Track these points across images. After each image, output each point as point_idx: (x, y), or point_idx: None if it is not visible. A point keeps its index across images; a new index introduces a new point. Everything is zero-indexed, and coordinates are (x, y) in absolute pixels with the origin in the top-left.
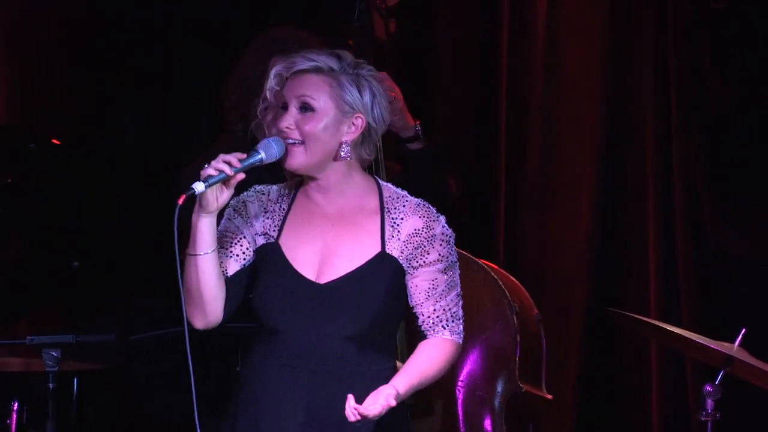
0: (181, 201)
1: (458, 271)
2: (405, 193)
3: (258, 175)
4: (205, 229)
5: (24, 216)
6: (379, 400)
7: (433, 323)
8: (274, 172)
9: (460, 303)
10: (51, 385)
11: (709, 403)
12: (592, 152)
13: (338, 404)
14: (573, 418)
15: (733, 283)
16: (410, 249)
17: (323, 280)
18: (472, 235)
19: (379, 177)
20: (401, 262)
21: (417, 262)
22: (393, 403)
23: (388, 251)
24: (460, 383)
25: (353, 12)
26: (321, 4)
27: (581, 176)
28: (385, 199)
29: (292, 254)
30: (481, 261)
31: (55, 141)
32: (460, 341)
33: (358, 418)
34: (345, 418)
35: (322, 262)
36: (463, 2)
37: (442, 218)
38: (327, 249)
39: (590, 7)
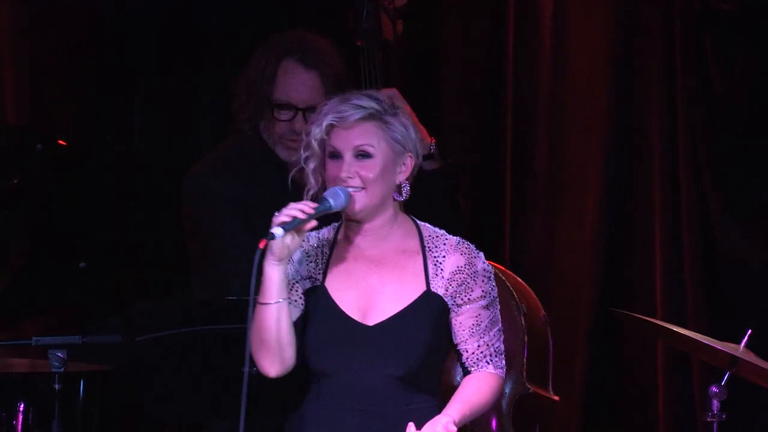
0: (262, 245)
1: (498, 307)
2: (443, 231)
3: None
4: (279, 276)
5: (30, 217)
6: (438, 429)
7: (477, 359)
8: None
9: (502, 338)
10: (57, 386)
11: (715, 404)
12: (598, 153)
13: None
14: (580, 418)
15: (739, 284)
16: (454, 286)
17: (371, 322)
18: (478, 237)
19: None
20: (446, 299)
21: (462, 299)
22: (453, 430)
23: (433, 290)
24: None
25: (361, 13)
26: (329, 5)
27: (588, 177)
28: (425, 239)
29: (338, 297)
30: (487, 262)
31: (61, 142)
32: (504, 375)
33: None
34: None
35: (368, 303)
36: (470, 3)
37: (482, 254)
38: (372, 291)
39: (596, 9)
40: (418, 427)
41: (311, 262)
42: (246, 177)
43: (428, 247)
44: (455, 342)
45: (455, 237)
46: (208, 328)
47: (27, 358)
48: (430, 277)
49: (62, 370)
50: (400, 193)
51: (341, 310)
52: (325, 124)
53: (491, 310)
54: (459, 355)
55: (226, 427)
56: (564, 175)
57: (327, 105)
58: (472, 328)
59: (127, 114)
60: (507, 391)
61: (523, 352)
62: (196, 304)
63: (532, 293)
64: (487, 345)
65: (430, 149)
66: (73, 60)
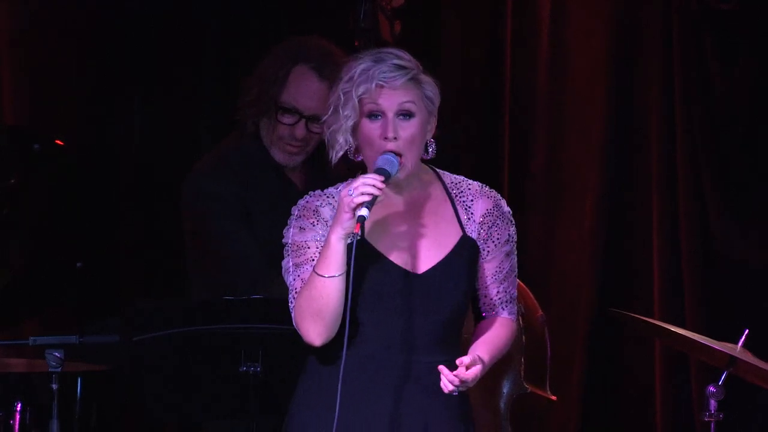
0: (357, 230)
1: (516, 253)
2: (463, 177)
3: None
4: (344, 249)
5: (28, 217)
6: (467, 363)
7: (493, 305)
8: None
9: (516, 284)
10: (54, 386)
11: (713, 404)
12: (597, 153)
13: (430, 396)
14: (577, 418)
15: (737, 284)
16: (486, 229)
17: (420, 270)
18: None
19: None
20: (479, 243)
21: (492, 242)
22: (480, 367)
23: (468, 234)
24: None
25: (359, 13)
26: (328, 5)
27: (586, 177)
28: (448, 186)
29: (383, 248)
30: None
31: (58, 142)
32: (515, 322)
33: (456, 384)
34: (433, 410)
35: (411, 253)
36: (467, 3)
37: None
38: (412, 240)
39: (595, 9)
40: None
41: None
42: (246, 178)
43: (454, 193)
44: (476, 286)
45: (475, 182)
46: (209, 328)
47: (24, 358)
48: (464, 222)
49: (60, 369)
50: (427, 152)
51: (389, 259)
52: (374, 83)
53: (512, 257)
54: (477, 302)
55: (226, 427)
56: (563, 176)
57: (362, 64)
58: (495, 274)
59: (127, 114)
60: (505, 391)
61: (521, 353)
62: (196, 304)
63: (530, 293)
64: (505, 291)
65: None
66: (73, 60)
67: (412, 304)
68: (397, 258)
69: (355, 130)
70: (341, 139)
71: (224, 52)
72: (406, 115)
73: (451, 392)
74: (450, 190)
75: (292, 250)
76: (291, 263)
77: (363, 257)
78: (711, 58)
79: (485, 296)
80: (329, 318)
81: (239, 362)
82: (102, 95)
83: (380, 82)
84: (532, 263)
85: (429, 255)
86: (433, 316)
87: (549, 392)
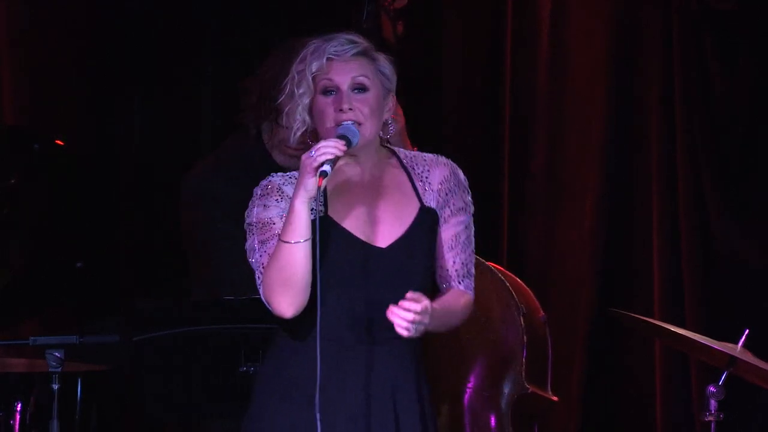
0: (321, 183)
1: (473, 229)
2: (417, 151)
3: None
4: (308, 213)
5: (27, 217)
6: (413, 297)
7: (450, 277)
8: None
9: (473, 261)
10: (54, 386)
11: (713, 404)
12: (597, 153)
13: (397, 371)
14: (578, 418)
15: (738, 284)
16: (443, 197)
17: (384, 244)
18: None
19: None
20: (438, 212)
21: (449, 209)
22: (428, 304)
23: (426, 203)
24: (467, 383)
25: (361, 13)
26: (330, 5)
27: (586, 178)
28: (403, 160)
29: (346, 224)
30: (488, 263)
31: (58, 142)
32: (473, 298)
33: (410, 319)
34: (400, 385)
35: (374, 227)
36: (469, 4)
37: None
38: (374, 214)
39: (595, 10)
40: (415, 351)
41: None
42: (245, 180)
43: (409, 166)
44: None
45: (430, 153)
46: (208, 328)
47: (25, 358)
48: (421, 193)
49: (60, 370)
50: (387, 132)
51: (353, 234)
52: (325, 57)
53: (469, 229)
54: (432, 272)
55: (226, 427)
56: (563, 176)
57: (313, 44)
58: (451, 242)
59: (127, 114)
60: (506, 390)
61: (522, 353)
62: (196, 304)
63: (531, 294)
64: (463, 264)
65: None
66: (73, 60)
67: (376, 278)
68: (360, 233)
69: (311, 109)
70: (299, 119)
71: (224, 52)
72: (360, 88)
73: (407, 330)
74: (406, 164)
75: (257, 228)
76: (256, 241)
77: (326, 233)
78: (711, 58)
79: (441, 267)
80: (298, 286)
81: (239, 362)
82: (102, 95)
83: (331, 56)
84: (532, 263)
85: (391, 229)
86: (398, 290)
87: (550, 393)
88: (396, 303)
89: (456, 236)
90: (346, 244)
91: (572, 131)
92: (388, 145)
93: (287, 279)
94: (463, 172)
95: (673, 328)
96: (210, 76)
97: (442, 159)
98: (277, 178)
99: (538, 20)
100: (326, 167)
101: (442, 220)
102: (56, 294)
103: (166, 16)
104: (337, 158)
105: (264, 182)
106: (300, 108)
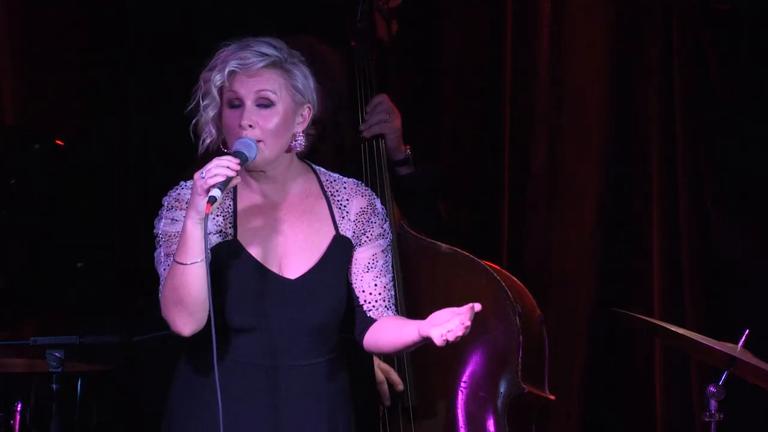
0: (208, 210)
1: (391, 259)
2: (338, 175)
3: None
4: (201, 234)
5: (28, 217)
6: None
7: (378, 304)
8: None
9: (393, 289)
10: (54, 386)
11: (713, 404)
12: (597, 153)
13: (305, 398)
14: (577, 418)
15: (737, 284)
16: (360, 227)
17: (293, 275)
18: (475, 237)
19: (383, 183)
20: (353, 240)
21: (365, 236)
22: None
23: (342, 233)
24: (462, 384)
25: (356, 13)
26: (324, 5)
27: (586, 177)
28: (324, 184)
29: (254, 250)
30: (483, 262)
31: (59, 142)
32: None
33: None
34: (310, 411)
35: (284, 255)
36: (467, 3)
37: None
38: (285, 240)
39: (595, 11)
40: (330, 379)
41: (218, 215)
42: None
43: (329, 191)
44: (351, 280)
45: (350, 179)
46: None
47: (25, 358)
48: (338, 221)
49: (60, 370)
50: (297, 146)
51: (261, 264)
52: (227, 70)
53: (387, 255)
54: (358, 302)
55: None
56: (563, 176)
57: (225, 51)
58: (368, 262)
59: (127, 114)
60: (502, 391)
61: (518, 352)
62: None
63: (528, 293)
64: (385, 288)
65: (406, 154)
66: (73, 60)
67: (285, 310)
68: (270, 262)
69: (220, 120)
70: (206, 131)
71: None
72: (265, 104)
73: (456, 338)
74: (325, 188)
75: (164, 241)
76: (162, 254)
77: (235, 261)
78: (711, 58)
79: (363, 291)
80: (192, 307)
81: None
82: (102, 95)
83: (234, 68)
84: (532, 263)
85: (303, 258)
86: (307, 321)
87: (548, 392)
88: (304, 331)
89: (373, 258)
90: (254, 272)
91: (573, 131)
92: (310, 164)
93: (181, 299)
94: (463, 172)
95: (673, 328)
96: None
97: (362, 188)
98: (185, 191)
99: (538, 20)
100: (215, 192)
101: (357, 245)
102: (56, 294)
103: (165, 16)
104: (229, 179)
105: (173, 193)
106: (204, 119)
